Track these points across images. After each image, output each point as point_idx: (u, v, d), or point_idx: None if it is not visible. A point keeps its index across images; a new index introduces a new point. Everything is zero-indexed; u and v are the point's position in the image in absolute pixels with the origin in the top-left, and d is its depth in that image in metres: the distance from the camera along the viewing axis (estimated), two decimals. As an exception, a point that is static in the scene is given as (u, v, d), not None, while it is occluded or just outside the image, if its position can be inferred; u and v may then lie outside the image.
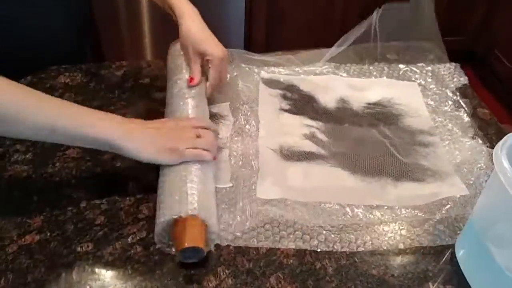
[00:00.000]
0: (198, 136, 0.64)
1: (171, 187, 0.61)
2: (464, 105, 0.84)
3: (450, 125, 0.80)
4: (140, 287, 0.56)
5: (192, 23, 0.76)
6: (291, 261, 0.60)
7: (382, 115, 0.82)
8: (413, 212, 0.65)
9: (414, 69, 0.92)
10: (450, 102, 0.85)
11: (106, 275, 0.57)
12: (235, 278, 0.57)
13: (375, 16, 0.91)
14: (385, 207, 0.66)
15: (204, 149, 0.64)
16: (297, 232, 0.62)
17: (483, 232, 0.56)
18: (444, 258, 0.61)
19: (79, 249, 0.60)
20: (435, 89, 0.88)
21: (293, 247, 0.61)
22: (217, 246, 0.61)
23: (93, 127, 0.58)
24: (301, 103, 0.84)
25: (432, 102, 0.85)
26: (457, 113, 0.82)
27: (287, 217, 0.63)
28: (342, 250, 0.61)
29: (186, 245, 0.54)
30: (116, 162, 0.71)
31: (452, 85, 0.89)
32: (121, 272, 0.58)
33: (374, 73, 0.92)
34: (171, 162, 0.62)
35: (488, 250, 0.54)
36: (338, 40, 0.94)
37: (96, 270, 0.58)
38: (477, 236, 0.57)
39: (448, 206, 0.66)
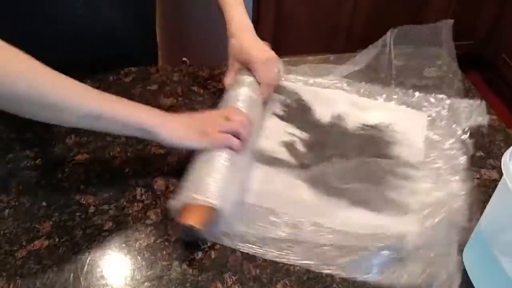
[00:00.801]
0: (227, 119, 0.67)
1: (194, 172, 0.64)
2: (468, 147, 0.77)
3: (441, 163, 0.74)
4: (147, 293, 0.57)
5: (238, 39, 0.80)
6: (298, 268, 0.60)
7: (373, 139, 0.78)
8: (347, 237, 0.62)
9: (431, 99, 0.87)
10: (453, 140, 0.78)
11: (114, 280, 0.58)
12: (241, 285, 0.57)
13: (389, 35, 0.90)
14: (326, 227, 0.64)
15: (234, 135, 0.65)
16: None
17: (491, 240, 0.56)
18: (451, 266, 0.60)
19: (87, 254, 0.60)
20: (445, 123, 0.82)
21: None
22: (224, 252, 0.61)
23: (133, 115, 0.62)
24: (295, 111, 0.84)
25: (435, 137, 0.79)
26: (454, 152, 0.76)
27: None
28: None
29: (182, 221, 0.58)
30: (125, 168, 0.72)
31: (467, 124, 0.81)
32: (129, 278, 0.58)
33: (384, 96, 0.88)
34: (200, 145, 0.65)
35: (496, 258, 0.54)
36: (345, 49, 0.93)
37: (105, 275, 0.58)
38: (485, 244, 0.57)
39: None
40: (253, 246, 0.61)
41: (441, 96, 0.87)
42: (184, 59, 0.88)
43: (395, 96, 0.88)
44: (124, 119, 0.62)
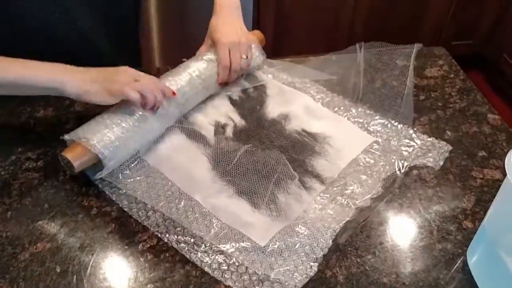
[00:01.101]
0: (137, 81, 0.69)
1: (97, 117, 0.70)
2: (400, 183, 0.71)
3: (354, 187, 0.70)
4: (150, 295, 0.56)
5: (217, 17, 0.84)
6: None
7: (301, 145, 0.76)
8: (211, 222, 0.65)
9: (390, 125, 0.80)
10: (385, 172, 0.72)
11: (117, 282, 0.58)
12: (245, 286, 0.57)
13: (358, 52, 0.90)
14: (198, 208, 0.66)
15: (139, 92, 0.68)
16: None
17: (496, 239, 0.55)
18: (455, 266, 0.60)
19: (90, 256, 0.60)
20: (389, 153, 0.75)
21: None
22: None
23: (45, 76, 0.67)
24: (249, 100, 0.85)
25: (369, 160, 0.74)
26: (371, 182, 0.71)
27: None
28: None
29: (62, 153, 0.65)
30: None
31: (412, 161, 0.74)
32: (132, 279, 0.58)
33: (342, 109, 0.84)
34: (103, 100, 0.68)
35: (500, 258, 0.54)
36: (344, 47, 0.92)
37: (107, 277, 0.58)
38: (489, 244, 0.56)
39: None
40: (125, 202, 0.66)
41: (404, 127, 0.80)
42: (184, 59, 0.87)
43: (355, 112, 0.83)
44: (39, 80, 0.66)
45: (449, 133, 0.80)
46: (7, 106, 0.83)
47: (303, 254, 0.61)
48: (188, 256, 0.60)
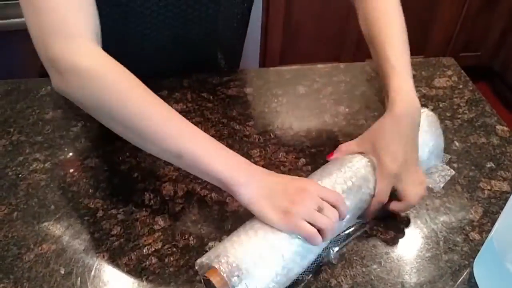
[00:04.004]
0: (319, 211, 0.55)
1: (248, 244, 0.54)
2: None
3: None
4: (154, 299, 0.56)
5: (386, 125, 0.64)
6: (306, 277, 0.59)
7: None
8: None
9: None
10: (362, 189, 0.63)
11: (121, 285, 0.57)
12: None
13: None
14: None
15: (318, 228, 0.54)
16: None
17: (503, 252, 0.55)
18: (461, 278, 0.60)
19: (95, 258, 0.60)
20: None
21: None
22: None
23: (212, 166, 0.55)
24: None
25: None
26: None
27: None
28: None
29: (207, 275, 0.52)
30: (133, 173, 0.72)
31: None
32: (136, 283, 0.58)
33: None
34: (276, 225, 0.54)
35: (508, 271, 0.53)
36: (354, 59, 0.93)
37: (111, 280, 0.58)
38: (497, 257, 0.56)
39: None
40: None
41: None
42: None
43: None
44: (204, 167, 0.56)
45: (457, 143, 0.80)
46: (16, 107, 0.83)
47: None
48: None
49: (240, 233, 0.55)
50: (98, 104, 0.56)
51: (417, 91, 0.90)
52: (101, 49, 0.58)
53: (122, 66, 0.57)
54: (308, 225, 0.54)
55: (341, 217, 0.57)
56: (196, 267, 0.55)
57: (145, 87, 0.57)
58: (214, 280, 0.50)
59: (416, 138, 0.63)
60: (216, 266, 0.51)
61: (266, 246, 0.53)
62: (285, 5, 1.86)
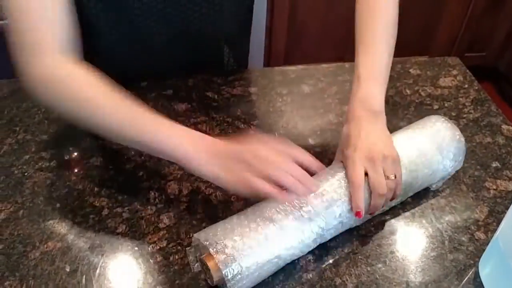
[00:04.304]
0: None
1: (239, 222, 0.55)
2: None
3: None
4: (159, 297, 0.56)
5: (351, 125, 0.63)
6: (311, 275, 0.59)
7: None
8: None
9: None
10: None
11: (126, 283, 0.58)
12: (254, 291, 0.57)
13: None
14: None
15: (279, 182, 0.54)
16: None
17: (509, 252, 0.55)
18: (467, 277, 0.60)
19: (100, 256, 0.60)
20: None
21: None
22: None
23: (165, 141, 0.58)
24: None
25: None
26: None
27: None
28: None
29: (204, 258, 0.54)
30: (138, 172, 0.72)
31: None
32: (141, 281, 0.58)
33: None
34: (234, 188, 0.55)
35: (513, 271, 0.53)
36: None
37: (116, 278, 0.58)
38: (502, 256, 0.55)
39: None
40: None
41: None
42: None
43: None
44: (159, 146, 0.58)
45: (462, 143, 0.79)
46: (22, 106, 0.84)
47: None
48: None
49: (241, 219, 0.56)
50: (66, 110, 0.63)
51: (422, 90, 0.91)
52: (70, 58, 0.63)
53: (89, 72, 0.61)
54: (267, 184, 0.53)
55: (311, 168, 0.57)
56: (194, 242, 0.56)
57: (107, 89, 0.60)
58: (209, 263, 0.52)
59: (381, 132, 0.62)
60: (213, 253, 0.52)
61: (262, 237, 0.54)
62: (289, 6, 1.86)
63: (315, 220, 0.57)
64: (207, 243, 0.53)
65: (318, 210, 0.57)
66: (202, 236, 0.54)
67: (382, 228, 0.65)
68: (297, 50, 2.02)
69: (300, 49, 2.02)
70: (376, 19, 0.69)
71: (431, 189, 0.70)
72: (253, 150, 0.56)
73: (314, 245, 0.59)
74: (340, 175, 0.61)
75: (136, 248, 0.61)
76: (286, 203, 0.57)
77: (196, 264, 0.56)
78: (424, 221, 0.67)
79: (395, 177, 0.59)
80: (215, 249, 0.52)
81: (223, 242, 0.53)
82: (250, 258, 0.53)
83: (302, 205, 0.57)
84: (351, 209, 0.59)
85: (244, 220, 0.56)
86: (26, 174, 0.71)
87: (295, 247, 0.57)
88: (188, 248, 0.57)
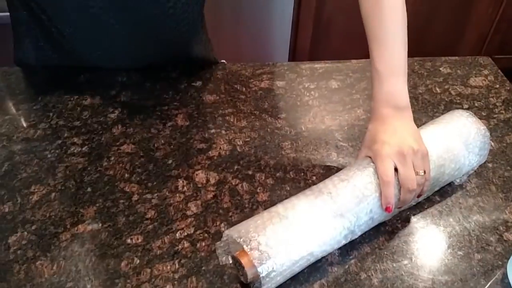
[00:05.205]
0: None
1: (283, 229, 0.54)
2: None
3: None
4: (186, 281, 0.57)
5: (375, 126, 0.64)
6: (336, 269, 0.59)
7: None
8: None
9: None
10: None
11: (154, 267, 0.59)
12: (279, 281, 0.57)
13: None
14: None
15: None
16: None
17: (539, 253, 0.54)
18: (494, 278, 0.59)
19: (129, 241, 0.61)
20: None
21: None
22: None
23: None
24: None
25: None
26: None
27: None
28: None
29: (237, 255, 0.53)
30: (168, 160, 0.73)
31: None
32: (168, 266, 0.59)
33: None
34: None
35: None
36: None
37: (144, 262, 0.59)
38: (532, 257, 0.55)
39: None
40: None
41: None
42: (222, 61, 0.88)
43: None
44: None
45: (492, 143, 0.78)
46: (55, 93, 0.86)
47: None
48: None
49: (272, 215, 0.56)
50: None
51: (452, 89, 0.90)
52: None
53: None
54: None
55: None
56: (224, 238, 0.56)
57: None
58: (243, 260, 0.52)
59: (408, 128, 0.62)
60: (247, 250, 0.52)
61: (295, 233, 0.55)
62: (316, 2, 1.85)
63: (346, 216, 0.57)
64: (241, 240, 0.53)
65: (350, 206, 0.57)
66: (235, 232, 0.54)
67: (409, 225, 0.65)
68: (322, 46, 2.01)
69: (326, 45, 2.01)
70: (384, 11, 0.69)
71: (455, 183, 0.70)
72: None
73: (344, 241, 0.59)
74: (370, 170, 0.61)
75: (165, 234, 0.62)
76: (318, 199, 0.57)
77: (224, 258, 0.57)
78: (451, 220, 0.66)
79: (424, 172, 0.59)
80: (249, 246, 0.52)
81: (256, 240, 0.53)
82: (284, 255, 0.53)
83: (334, 201, 0.57)
84: (381, 205, 0.59)
85: (276, 217, 0.56)
86: (58, 158, 0.73)
87: (327, 243, 0.57)
88: (218, 242, 0.57)
